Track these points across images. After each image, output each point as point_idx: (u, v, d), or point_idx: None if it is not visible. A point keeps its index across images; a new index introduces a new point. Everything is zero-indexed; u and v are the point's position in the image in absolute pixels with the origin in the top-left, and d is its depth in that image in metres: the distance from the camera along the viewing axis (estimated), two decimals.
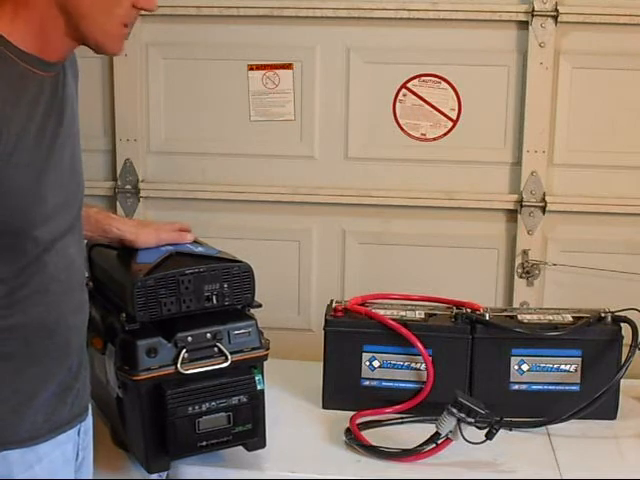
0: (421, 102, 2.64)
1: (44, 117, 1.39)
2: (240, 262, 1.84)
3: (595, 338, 2.08)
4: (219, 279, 1.78)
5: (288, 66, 2.66)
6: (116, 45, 1.41)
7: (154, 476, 1.82)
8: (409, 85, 2.63)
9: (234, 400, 1.76)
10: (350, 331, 2.11)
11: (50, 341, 1.44)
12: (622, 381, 2.05)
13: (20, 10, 1.34)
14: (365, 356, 2.10)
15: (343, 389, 2.12)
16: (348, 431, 1.98)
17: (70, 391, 1.50)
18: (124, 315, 1.73)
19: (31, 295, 1.40)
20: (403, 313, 2.14)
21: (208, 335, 1.77)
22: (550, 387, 2.08)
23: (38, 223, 1.39)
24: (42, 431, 1.45)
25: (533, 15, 2.52)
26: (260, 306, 1.85)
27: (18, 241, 1.37)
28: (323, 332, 2.13)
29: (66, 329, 1.47)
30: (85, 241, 1.68)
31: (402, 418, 2.07)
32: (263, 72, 2.67)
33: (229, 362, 1.76)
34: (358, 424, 2.00)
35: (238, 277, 1.81)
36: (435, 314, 2.15)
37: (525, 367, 2.08)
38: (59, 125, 1.42)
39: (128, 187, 2.76)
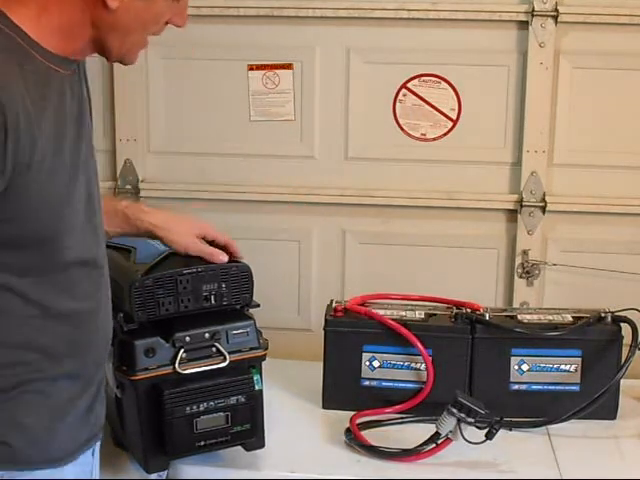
0: (421, 102, 2.64)
1: (69, 118, 1.38)
2: (238, 262, 1.84)
3: (595, 338, 2.08)
4: (217, 279, 1.79)
5: (288, 66, 2.66)
6: (136, 57, 1.43)
7: (153, 476, 1.82)
8: (409, 85, 2.63)
9: (232, 400, 1.76)
10: (350, 331, 2.11)
11: (83, 359, 1.43)
12: (622, 381, 2.05)
13: (48, 12, 1.31)
14: (365, 356, 2.10)
15: (343, 389, 2.12)
16: (348, 431, 1.98)
17: (93, 410, 1.49)
18: (122, 315, 1.72)
19: (64, 313, 1.39)
20: (403, 313, 2.14)
21: (206, 335, 1.77)
22: (550, 387, 2.08)
23: (68, 231, 1.36)
24: (69, 451, 1.43)
25: (533, 15, 2.52)
26: (258, 306, 1.85)
27: (50, 255, 1.35)
28: (323, 332, 2.13)
29: (96, 347, 1.47)
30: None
31: (402, 418, 2.07)
32: (263, 72, 2.67)
33: (227, 362, 1.76)
34: (358, 424, 2.00)
35: (236, 277, 1.81)
36: (435, 314, 2.15)
37: (525, 367, 2.08)
38: (81, 125, 1.42)
39: (128, 187, 2.76)
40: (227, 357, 1.77)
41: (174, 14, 1.39)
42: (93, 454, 1.53)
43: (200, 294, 1.77)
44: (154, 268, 1.77)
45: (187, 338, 1.75)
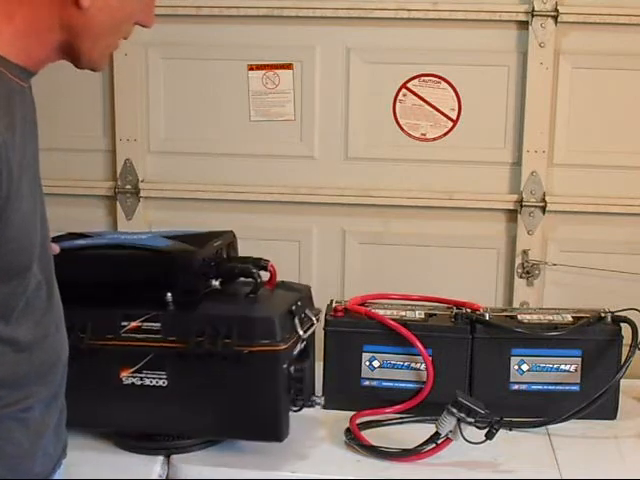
0: (421, 102, 2.64)
1: (31, 135, 1.28)
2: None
3: (595, 338, 2.08)
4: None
5: (288, 66, 2.66)
6: (105, 63, 1.33)
7: (154, 475, 1.82)
8: (409, 85, 2.63)
9: None
10: (350, 331, 2.11)
11: (48, 380, 1.38)
12: (622, 381, 2.05)
13: (13, 21, 1.20)
14: (365, 356, 2.10)
15: (343, 389, 2.12)
16: (348, 431, 1.97)
17: (60, 425, 1.44)
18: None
19: (26, 342, 1.31)
20: (403, 313, 2.14)
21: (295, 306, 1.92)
22: (550, 387, 2.08)
23: (35, 254, 1.27)
24: (47, 469, 1.39)
25: (533, 15, 2.52)
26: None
27: (18, 286, 1.25)
28: (323, 332, 2.13)
29: (59, 364, 1.41)
30: None
31: (402, 418, 2.06)
32: (263, 72, 2.67)
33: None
34: (358, 424, 2.00)
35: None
36: (435, 314, 2.15)
37: (525, 367, 2.08)
38: (37, 140, 1.31)
39: (128, 187, 2.76)
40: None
41: (142, 12, 1.29)
42: (62, 468, 1.48)
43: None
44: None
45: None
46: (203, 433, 1.89)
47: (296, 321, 1.86)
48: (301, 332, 1.86)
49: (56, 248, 1.51)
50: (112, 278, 1.82)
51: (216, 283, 1.85)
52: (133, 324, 1.82)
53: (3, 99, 1.18)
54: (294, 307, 1.88)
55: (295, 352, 1.85)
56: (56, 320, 1.38)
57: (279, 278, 1.99)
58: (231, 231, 2.02)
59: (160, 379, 1.83)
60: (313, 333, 1.97)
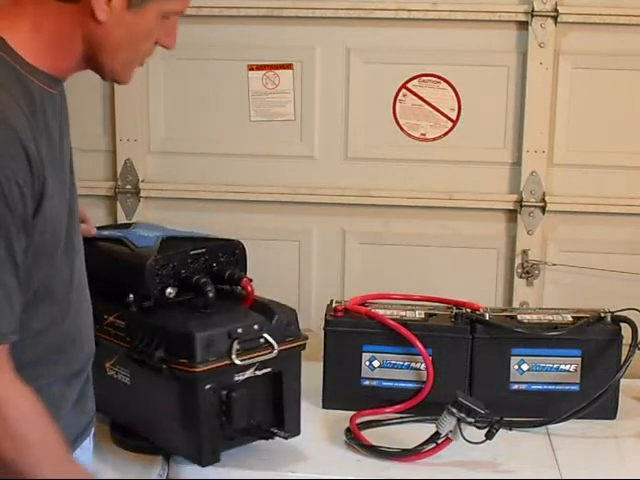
0: (421, 102, 2.64)
1: (60, 138, 1.37)
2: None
3: (595, 338, 2.08)
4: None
5: (288, 66, 2.66)
6: (129, 76, 1.44)
7: (154, 475, 1.82)
8: (409, 85, 2.63)
9: None
10: (350, 331, 2.11)
11: (71, 356, 1.45)
12: (622, 381, 2.05)
13: (41, 31, 1.30)
14: (365, 356, 2.11)
15: (343, 389, 2.12)
16: (348, 431, 1.98)
17: (83, 400, 1.50)
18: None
19: (46, 323, 1.39)
20: (403, 313, 2.14)
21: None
22: (550, 387, 2.09)
23: (61, 246, 1.38)
24: (69, 441, 1.42)
25: (533, 15, 2.52)
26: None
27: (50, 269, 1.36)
28: (323, 332, 2.13)
29: (80, 343, 1.48)
30: None
31: (402, 418, 2.07)
32: (263, 72, 2.67)
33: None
34: (358, 424, 2.00)
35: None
36: (435, 314, 2.15)
37: (525, 367, 2.08)
38: (67, 142, 1.41)
39: (128, 187, 2.76)
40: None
41: (163, 33, 1.40)
42: (90, 439, 1.56)
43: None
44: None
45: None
46: (155, 440, 1.88)
47: (234, 345, 1.73)
48: (234, 357, 1.73)
49: (93, 230, 1.83)
50: (98, 271, 1.82)
51: (171, 291, 1.81)
52: (110, 319, 1.85)
53: (32, 104, 1.28)
54: (240, 330, 1.75)
55: (239, 377, 1.76)
56: (75, 305, 1.45)
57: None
58: (236, 241, 1.96)
59: (126, 376, 1.85)
60: (295, 357, 1.86)
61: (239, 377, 1.76)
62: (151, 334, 1.76)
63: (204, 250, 1.86)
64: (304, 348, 1.86)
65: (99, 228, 1.99)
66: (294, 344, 1.84)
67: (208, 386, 1.72)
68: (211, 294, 1.79)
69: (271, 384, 1.83)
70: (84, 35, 1.32)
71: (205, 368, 1.71)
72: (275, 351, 1.78)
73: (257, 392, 1.81)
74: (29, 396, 1.28)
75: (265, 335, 1.78)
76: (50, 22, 1.30)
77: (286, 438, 1.83)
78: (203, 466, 1.78)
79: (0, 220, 1.22)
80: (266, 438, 1.83)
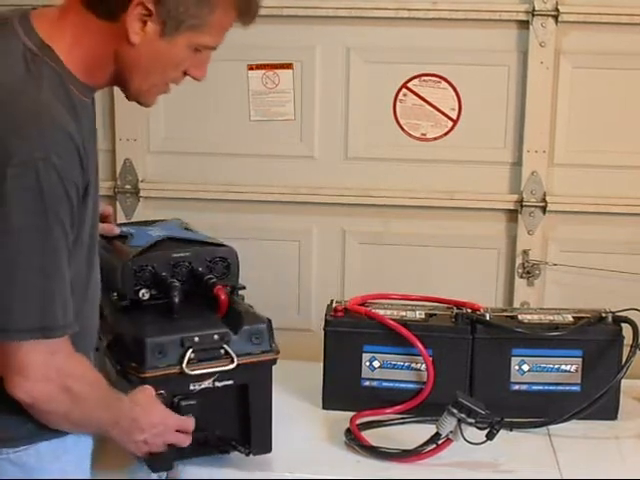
0: (421, 102, 2.64)
1: (93, 138, 1.46)
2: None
3: (596, 338, 2.08)
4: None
5: (288, 66, 2.66)
6: (153, 100, 1.48)
7: (154, 476, 1.81)
8: (409, 85, 2.63)
9: None
10: (350, 331, 2.11)
11: (85, 341, 1.51)
12: (623, 381, 2.05)
13: (80, 44, 1.38)
14: (365, 356, 2.10)
15: (343, 389, 2.12)
16: (348, 431, 1.97)
17: None
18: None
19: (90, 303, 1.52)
20: (403, 313, 2.13)
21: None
22: (551, 387, 2.08)
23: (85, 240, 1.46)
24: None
25: (533, 15, 2.52)
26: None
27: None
28: (323, 332, 2.13)
29: (92, 337, 1.58)
30: None
31: (402, 418, 2.06)
32: (263, 72, 2.67)
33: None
34: (358, 424, 2.00)
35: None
36: (435, 314, 2.15)
37: (526, 367, 2.08)
38: (96, 146, 1.49)
39: (128, 187, 2.76)
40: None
41: (193, 65, 1.44)
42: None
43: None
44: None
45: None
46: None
47: (188, 353, 1.67)
48: (185, 366, 1.66)
49: (115, 230, 1.90)
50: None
51: (145, 293, 1.79)
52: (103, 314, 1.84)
53: (72, 110, 1.37)
54: (196, 339, 1.68)
55: (194, 386, 1.70)
56: (90, 302, 1.53)
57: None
58: (227, 247, 1.90)
59: (112, 371, 1.82)
60: (264, 371, 1.78)
61: (195, 386, 1.70)
62: (116, 334, 1.76)
63: (188, 254, 1.83)
64: (274, 363, 1.78)
65: (120, 224, 2.01)
66: (261, 358, 1.76)
67: (157, 393, 1.66)
68: (176, 299, 1.74)
69: (236, 397, 1.77)
70: (117, 54, 1.39)
71: (153, 374, 1.66)
72: (234, 364, 1.70)
73: (218, 404, 1.75)
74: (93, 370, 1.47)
75: (225, 346, 1.71)
76: (89, 37, 1.38)
77: (247, 454, 1.79)
78: (154, 472, 1.74)
79: (61, 215, 1.33)
80: (224, 452, 1.80)
